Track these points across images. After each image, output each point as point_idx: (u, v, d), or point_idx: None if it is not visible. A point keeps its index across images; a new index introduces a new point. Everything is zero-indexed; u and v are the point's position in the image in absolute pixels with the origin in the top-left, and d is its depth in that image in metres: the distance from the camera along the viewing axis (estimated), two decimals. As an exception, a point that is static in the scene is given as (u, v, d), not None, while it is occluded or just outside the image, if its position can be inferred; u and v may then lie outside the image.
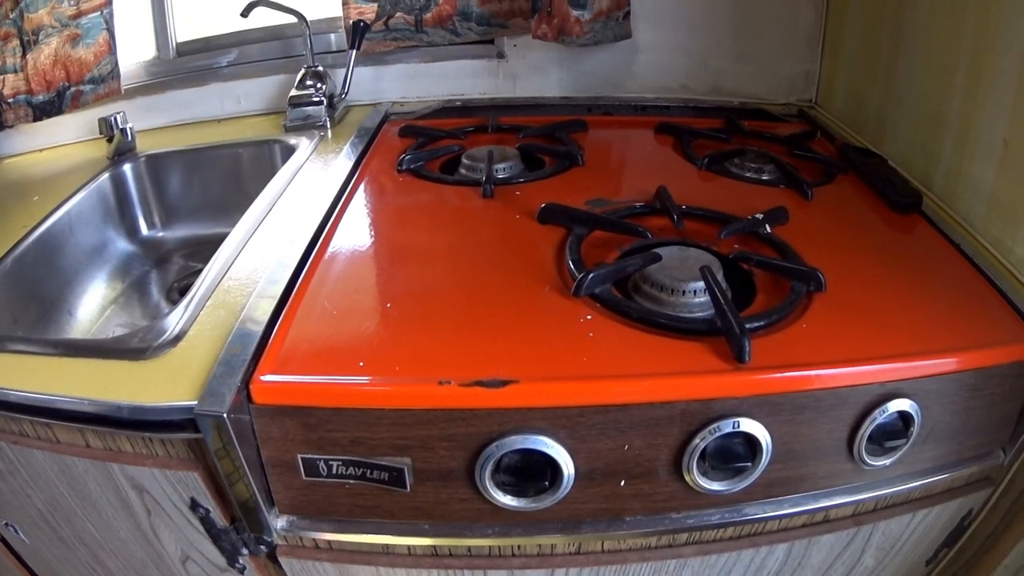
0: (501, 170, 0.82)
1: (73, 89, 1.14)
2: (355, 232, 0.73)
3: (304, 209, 0.78)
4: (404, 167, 0.83)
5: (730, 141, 0.93)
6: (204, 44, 1.15)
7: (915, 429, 0.58)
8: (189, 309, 0.65)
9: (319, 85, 0.99)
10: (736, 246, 0.68)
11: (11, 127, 1.18)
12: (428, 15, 1.01)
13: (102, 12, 1.12)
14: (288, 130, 1.00)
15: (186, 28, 1.20)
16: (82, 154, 1.14)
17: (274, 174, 0.99)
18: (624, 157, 0.91)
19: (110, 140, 1.05)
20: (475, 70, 1.03)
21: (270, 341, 0.59)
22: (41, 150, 1.20)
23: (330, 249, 0.71)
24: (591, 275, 0.61)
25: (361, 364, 0.56)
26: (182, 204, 1.05)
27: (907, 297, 0.62)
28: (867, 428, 0.56)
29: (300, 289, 0.65)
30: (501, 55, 1.03)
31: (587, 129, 0.93)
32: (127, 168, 1.04)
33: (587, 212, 0.71)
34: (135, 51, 1.18)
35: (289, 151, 0.95)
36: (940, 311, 0.60)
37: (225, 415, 0.54)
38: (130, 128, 1.03)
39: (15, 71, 1.18)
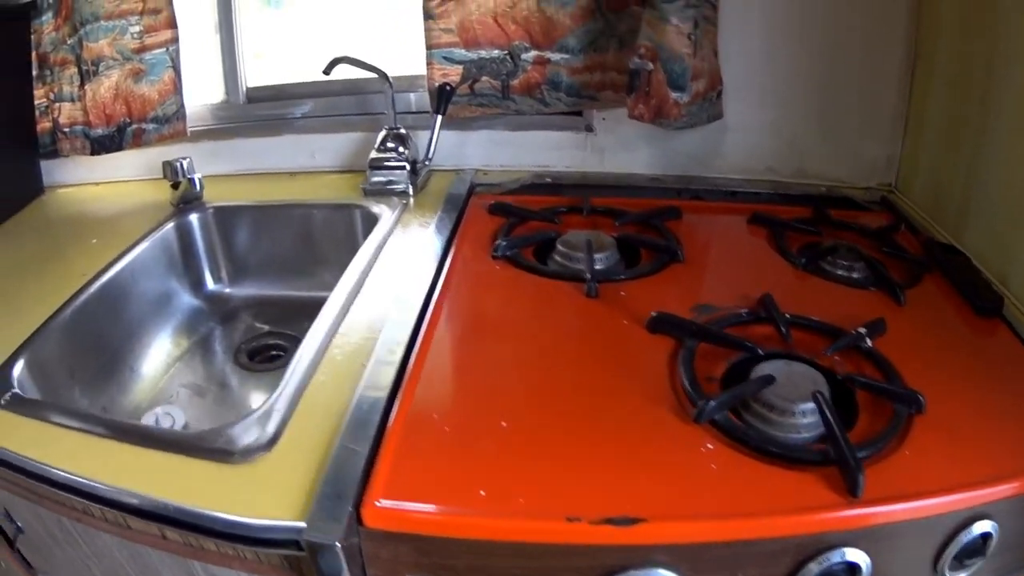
0: (599, 261, 0.80)
1: (135, 126, 1.10)
2: (456, 330, 0.71)
3: (396, 296, 0.75)
4: (500, 253, 0.81)
5: (821, 234, 0.92)
6: (276, 92, 1.11)
7: (992, 546, 0.58)
8: (280, 404, 0.62)
9: (401, 149, 0.96)
10: (836, 357, 0.67)
11: (66, 156, 1.15)
12: (515, 82, 0.99)
13: (168, 49, 1.09)
14: (367, 194, 0.97)
15: (254, 62, 1.17)
16: (141, 194, 1.11)
17: (351, 240, 0.96)
18: (721, 252, 0.89)
19: (175, 186, 1.01)
20: (562, 142, 1.01)
21: (379, 455, 0.56)
22: (97, 183, 1.16)
23: (432, 348, 0.68)
24: (711, 403, 0.60)
25: (482, 493, 0.54)
26: (250, 261, 1.01)
27: (995, 414, 0.61)
28: (952, 549, 0.56)
29: (406, 395, 0.62)
30: (590, 128, 1.01)
31: (681, 217, 0.92)
32: (194, 218, 1.01)
33: (699, 325, 0.70)
34: (202, 93, 1.14)
35: (371, 219, 0.92)
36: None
37: (338, 544, 0.51)
38: (199, 179, 0.99)
39: (72, 100, 1.14)
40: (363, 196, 0.98)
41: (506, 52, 0.98)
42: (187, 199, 1.01)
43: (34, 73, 1.14)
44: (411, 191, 0.96)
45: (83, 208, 1.11)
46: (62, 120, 1.14)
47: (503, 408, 0.62)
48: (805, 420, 0.59)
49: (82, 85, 1.12)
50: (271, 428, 0.60)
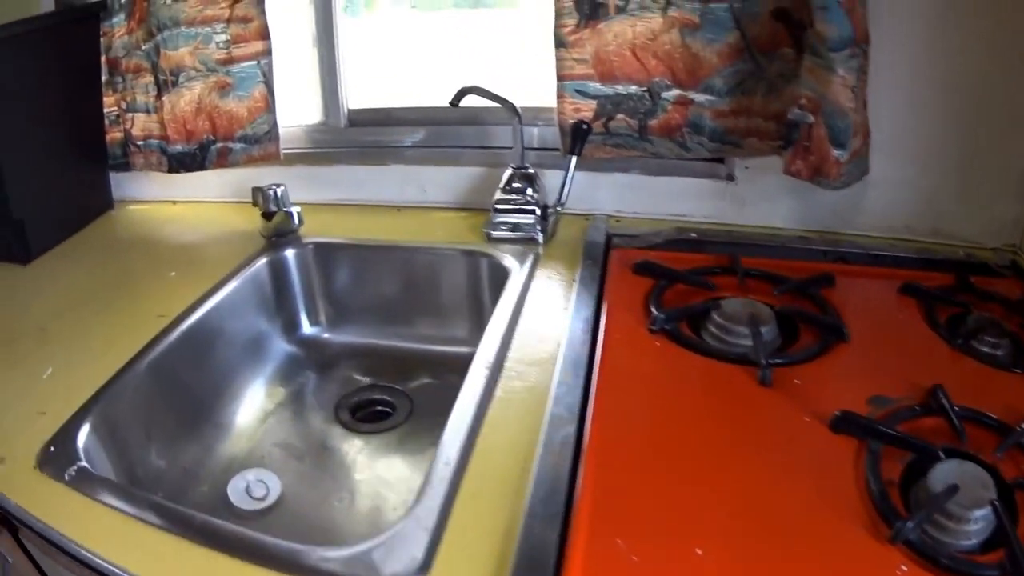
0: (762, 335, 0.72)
1: (220, 145, 1.00)
2: (625, 424, 0.62)
3: (548, 374, 0.66)
4: (658, 327, 0.73)
5: (968, 307, 0.86)
6: (383, 116, 1.01)
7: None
8: (426, 516, 0.51)
9: (530, 191, 0.87)
10: (997, 454, 0.61)
11: (140, 171, 1.04)
12: (654, 121, 0.90)
13: (259, 62, 0.99)
14: (491, 239, 0.88)
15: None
16: (225, 219, 1.01)
17: (475, 291, 0.87)
18: (878, 327, 0.81)
19: (267, 216, 0.91)
20: (700, 190, 0.92)
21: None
22: (174, 202, 1.07)
23: (602, 448, 0.59)
24: (909, 525, 0.53)
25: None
26: (351, 304, 0.92)
27: None
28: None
29: (582, 512, 0.53)
30: (731, 177, 0.92)
31: (835, 284, 0.84)
32: (290, 254, 0.91)
33: (886, 427, 0.63)
34: (296, 112, 1.05)
35: (498, 270, 0.83)
36: None
37: None
38: (297, 212, 0.89)
39: (147, 111, 1.04)
40: (486, 241, 0.88)
41: (645, 89, 0.89)
42: (281, 232, 0.91)
43: (103, 79, 1.05)
44: (540, 239, 0.87)
45: (157, 230, 1.01)
46: (135, 132, 1.04)
47: (692, 528, 0.53)
48: (976, 527, 0.54)
49: (159, 96, 1.01)
50: (419, 551, 0.49)
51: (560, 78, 0.89)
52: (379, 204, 0.99)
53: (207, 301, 0.82)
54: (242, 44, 0.98)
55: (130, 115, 1.03)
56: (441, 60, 1.32)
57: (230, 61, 0.99)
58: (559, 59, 0.89)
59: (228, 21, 0.99)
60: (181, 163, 1.00)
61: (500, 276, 0.83)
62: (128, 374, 0.70)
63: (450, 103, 0.84)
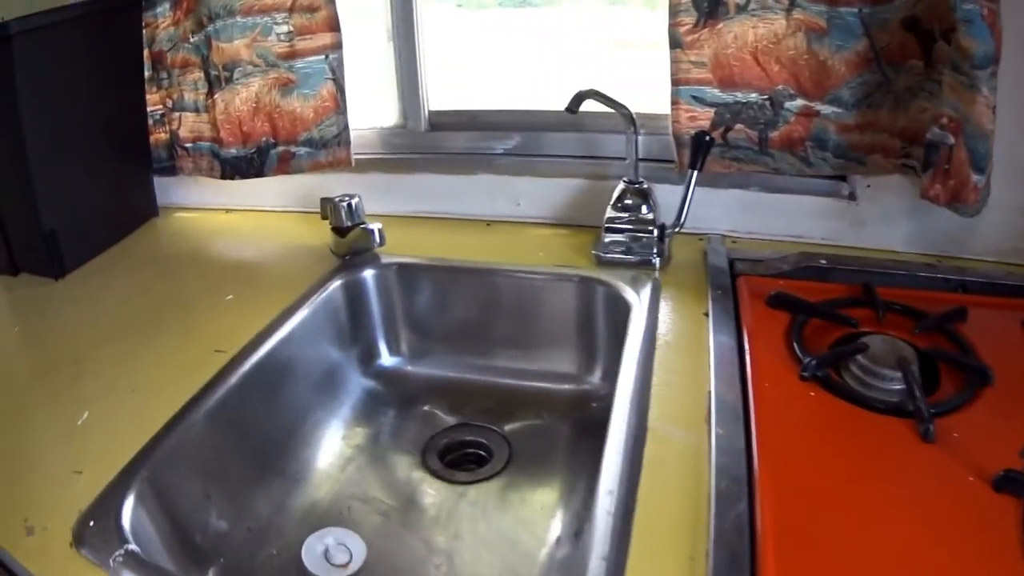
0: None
1: (281, 149, 0.90)
2: (793, 494, 0.53)
3: (696, 429, 0.59)
4: (809, 374, 0.65)
5: None
6: (469, 119, 0.92)
7: None
8: None
9: (644, 208, 0.78)
10: None
11: (188, 176, 0.93)
12: (775, 134, 0.82)
13: (327, 57, 0.89)
14: (603, 263, 0.79)
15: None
16: (287, 232, 0.91)
17: (586, 322, 0.79)
18: (1013, 367, 0.73)
19: (339, 232, 0.82)
20: (819, 210, 0.84)
21: None
22: (228, 210, 0.96)
23: (777, 528, 0.52)
24: None
25: None
26: (436, 333, 0.82)
27: None
28: None
29: None
30: (852, 196, 0.84)
31: (967, 319, 0.78)
32: (368, 276, 0.81)
33: None
34: (369, 113, 0.94)
35: (616, 302, 0.74)
36: None
37: None
38: (378, 230, 0.79)
39: (196, 110, 0.93)
40: (594, 264, 0.79)
41: (766, 97, 0.81)
42: (357, 250, 0.82)
43: (146, 75, 0.94)
44: (657, 263, 0.78)
45: (208, 242, 0.91)
46: (183, 133, 0.93)
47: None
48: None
49: (210, 93, 0.91)
50: None
51: (675, 83, 0.80)
52: (464, 218, 0.90)
53: (273, 335, 0.72)
54: (307, 36, 0.88)
55: (177, 114, 0.92)
56: (496, 59, 1.23)
57: (293, 55, 0.89)
58: (674, 60, 0.80)
59: (291, 10, 0.88)
60: (236, 168, 0.89)
61: (616, 305, 0.74)
62: (181, 424, 0.60)
63: (566, 109, 0.76)
